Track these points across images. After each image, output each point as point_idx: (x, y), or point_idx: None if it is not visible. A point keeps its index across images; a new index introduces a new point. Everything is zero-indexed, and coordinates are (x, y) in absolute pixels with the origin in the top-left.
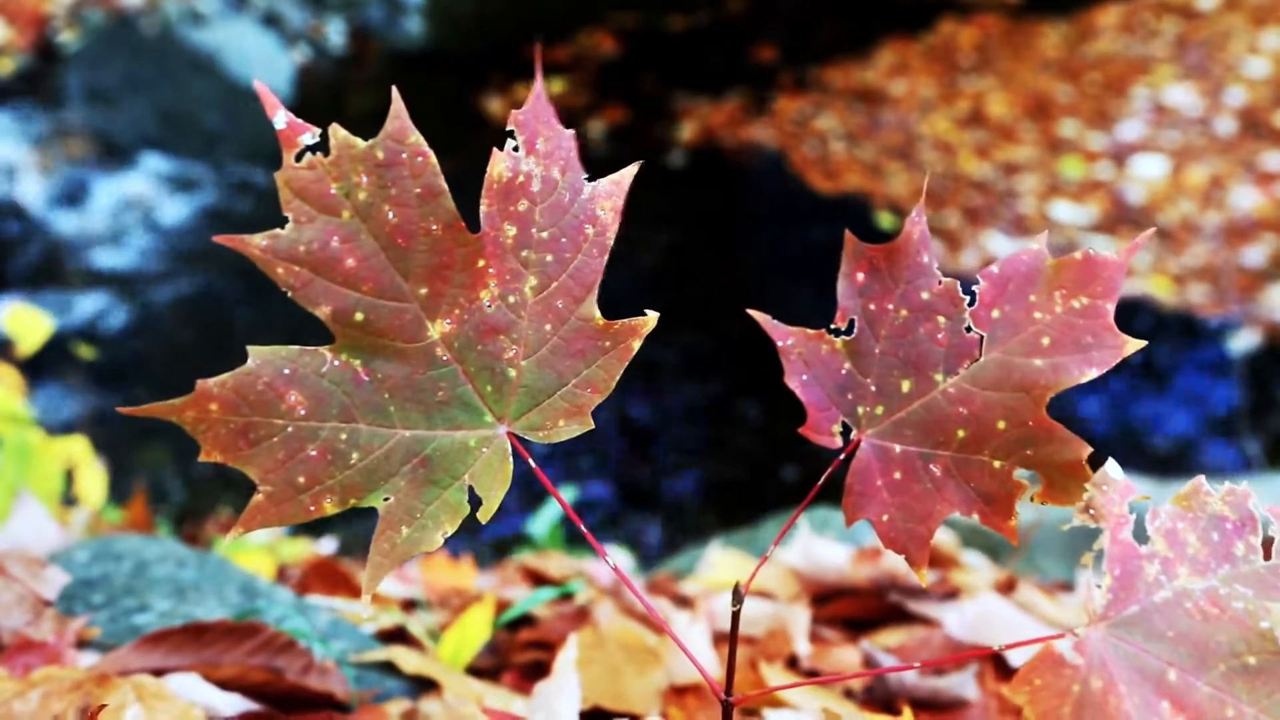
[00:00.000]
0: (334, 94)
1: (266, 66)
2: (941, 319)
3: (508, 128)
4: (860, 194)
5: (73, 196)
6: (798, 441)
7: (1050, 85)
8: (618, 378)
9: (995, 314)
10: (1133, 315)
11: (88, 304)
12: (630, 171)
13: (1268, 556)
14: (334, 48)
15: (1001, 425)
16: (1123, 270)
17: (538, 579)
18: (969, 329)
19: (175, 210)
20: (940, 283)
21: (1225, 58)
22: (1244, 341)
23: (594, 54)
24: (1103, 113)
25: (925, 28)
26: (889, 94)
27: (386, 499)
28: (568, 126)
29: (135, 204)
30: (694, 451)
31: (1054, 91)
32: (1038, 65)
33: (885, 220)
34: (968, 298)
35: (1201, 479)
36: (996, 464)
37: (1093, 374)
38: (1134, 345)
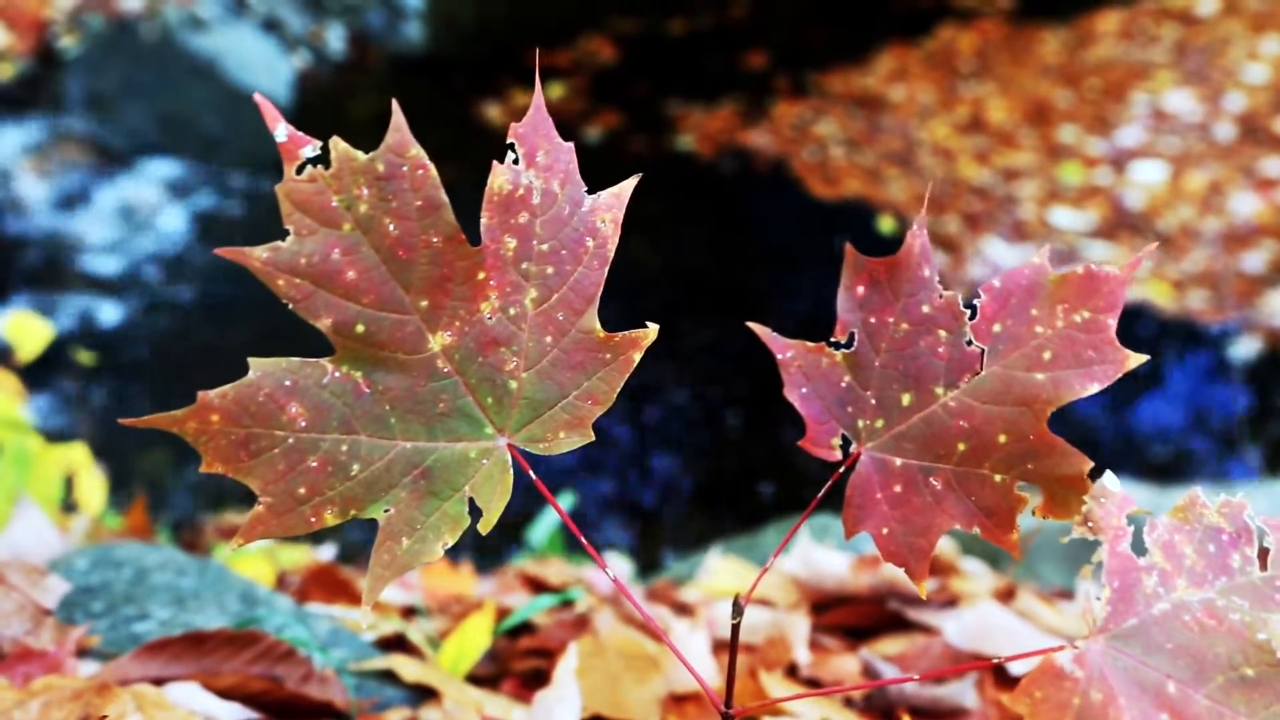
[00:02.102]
0: (334, 99)
1: (266, 72)
2: (942, 332)
3: (508, 140)
4: (861, 200)
5: (72, 202)
6: (798, 449)
7: (1050, 91)
8: (618, 390)
9: (996, 328)
10: (1132, 322)
11: (88, 309)
12: (630, 184)
13: (1264, 567)
14: (334, 53)
15: (1002, 439)
16: (1125, 284)
17: (537, 586)
18: (970, 342)
19: (175, 216)
20: (941, 296)
21: (1224, 63)
22: (1244, 348)
23: (593, 59)
24: (1102, 118)
25: (924, 33)
26: (888, 100)
27: (387, 510)
28: (565, 134)
29: (135, 209)
30: (692, 456)
31: (1053, 97)
32: (1037, 71)
33: (886, 225)
34: (969, 311)
35: (1197, 490)
36: (997, 477)
37: (1094, 388)
38: (1136, 360)
